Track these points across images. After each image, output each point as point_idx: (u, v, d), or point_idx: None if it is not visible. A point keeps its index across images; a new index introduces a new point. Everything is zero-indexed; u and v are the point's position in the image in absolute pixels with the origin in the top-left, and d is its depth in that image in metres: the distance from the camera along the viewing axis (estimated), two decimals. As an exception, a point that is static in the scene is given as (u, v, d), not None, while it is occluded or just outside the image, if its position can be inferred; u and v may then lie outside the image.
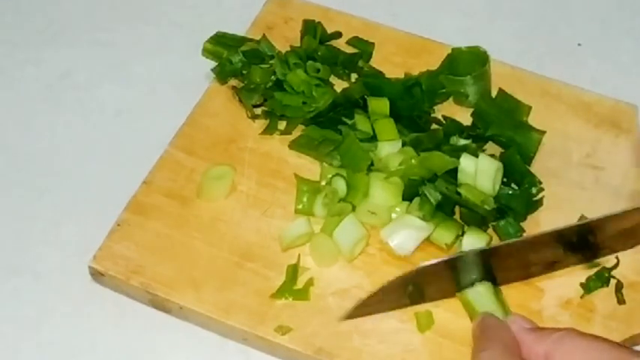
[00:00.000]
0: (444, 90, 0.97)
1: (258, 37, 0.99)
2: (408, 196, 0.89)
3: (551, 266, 0.85)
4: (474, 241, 0.87)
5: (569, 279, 0.87)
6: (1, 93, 1.04)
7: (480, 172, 0.88)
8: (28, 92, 1.04)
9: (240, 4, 1.09)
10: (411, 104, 0.95)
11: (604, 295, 0.87)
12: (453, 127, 0.94)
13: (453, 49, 0.99)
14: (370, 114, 0.93)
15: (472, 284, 0.83)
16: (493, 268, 0.83)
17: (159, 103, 1.03)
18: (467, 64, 0.97)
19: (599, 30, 1.10)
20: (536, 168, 0.93)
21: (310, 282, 0.87)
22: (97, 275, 0.88)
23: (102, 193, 0.96)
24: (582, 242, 0.83)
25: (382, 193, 0.89)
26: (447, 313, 0.85)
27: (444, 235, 0.87)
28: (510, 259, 0.83)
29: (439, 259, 0.81)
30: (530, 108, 0.96)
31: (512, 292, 0.85)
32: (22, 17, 1.10)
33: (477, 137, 0.93)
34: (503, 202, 0.89)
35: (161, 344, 0.88)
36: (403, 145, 0.91)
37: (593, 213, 0.89)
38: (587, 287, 0.87)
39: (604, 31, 1.10)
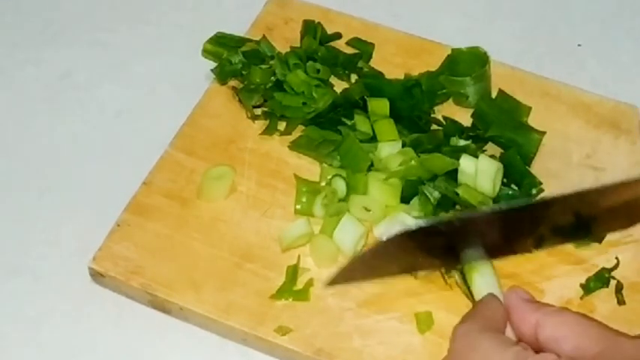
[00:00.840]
0: (444, 91, 0.97)
1: (258, 38, 0.99)
2: (407, 196, 0.89)
3: (538, 243, 0.82)
4: None
5: (569, 280, 0.87)
6: (1, 93, 1.04)
7: (480, 173, 0.88)
8: (28, 92, 1.04)
9: (240, 4, 1.09)
10: (411, 105, 0.95)
11: (604, 296, 0.87)
12: (453, 127, 0.94)
13: (452, 50, 0.99)
14: (370, 115, 0.93)
15: (460, 256, 0.79)
16: (476, 238, 0.78)
17: (159, 103, 1.03)
18: (467, 64, 0.97)
19: (599, 30, 1.10)
20: (536, 169, 0.93)
21: (310, 283, 0.87)
22: (96, 276, 0.88)
23: (102, 193, 0.96)
24: (574, 215, 0.80)
25: (380, 193, 0.89)
26: (447, 313, 0.85)
27: None
28: (494, 229, 0.79)
29: (428, 222, 0.77)
30: (530, 109, 0.96)
31: (512, 293, 0.86)
32: (22, 17, 1.10)
33: (477, 138, 0.93)
34: (503, 203, 0.89)
35: (161, 344, 0.88)
36: (403, 145, 0.91)
37: (593, 214, 0.89)
38: (587, 288, 0.87)
39: (604, 31, 1.10)
